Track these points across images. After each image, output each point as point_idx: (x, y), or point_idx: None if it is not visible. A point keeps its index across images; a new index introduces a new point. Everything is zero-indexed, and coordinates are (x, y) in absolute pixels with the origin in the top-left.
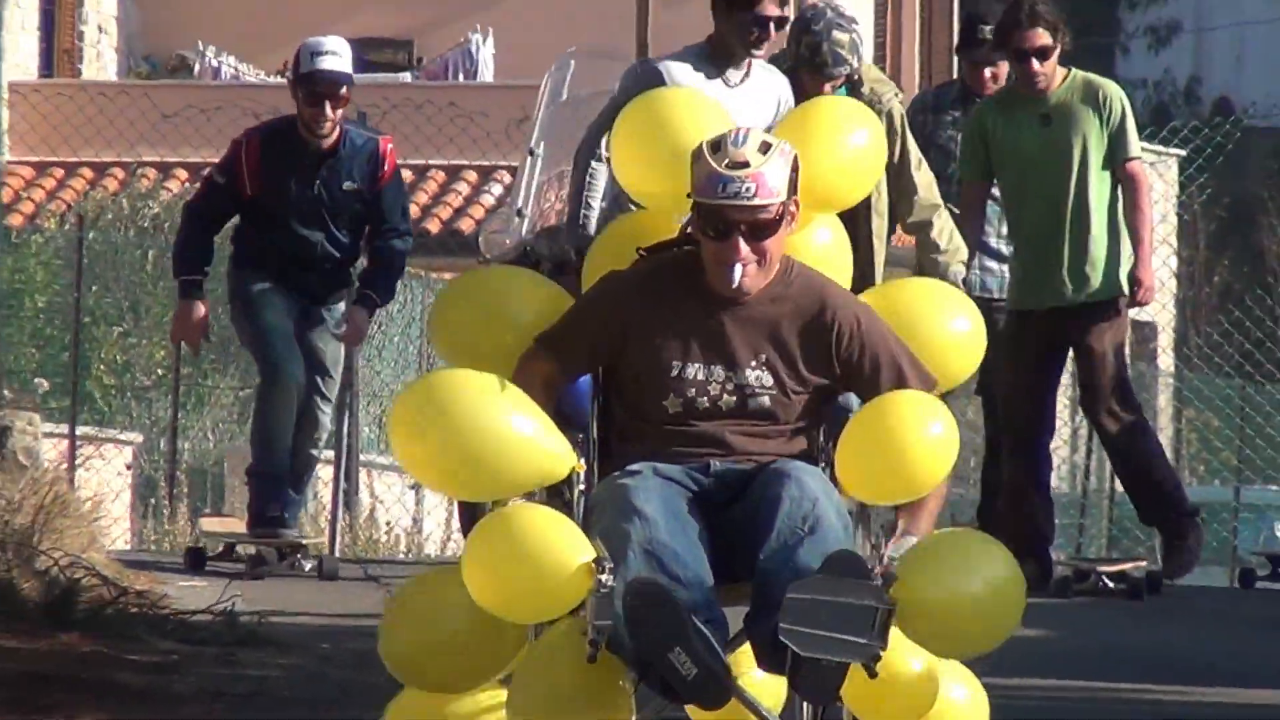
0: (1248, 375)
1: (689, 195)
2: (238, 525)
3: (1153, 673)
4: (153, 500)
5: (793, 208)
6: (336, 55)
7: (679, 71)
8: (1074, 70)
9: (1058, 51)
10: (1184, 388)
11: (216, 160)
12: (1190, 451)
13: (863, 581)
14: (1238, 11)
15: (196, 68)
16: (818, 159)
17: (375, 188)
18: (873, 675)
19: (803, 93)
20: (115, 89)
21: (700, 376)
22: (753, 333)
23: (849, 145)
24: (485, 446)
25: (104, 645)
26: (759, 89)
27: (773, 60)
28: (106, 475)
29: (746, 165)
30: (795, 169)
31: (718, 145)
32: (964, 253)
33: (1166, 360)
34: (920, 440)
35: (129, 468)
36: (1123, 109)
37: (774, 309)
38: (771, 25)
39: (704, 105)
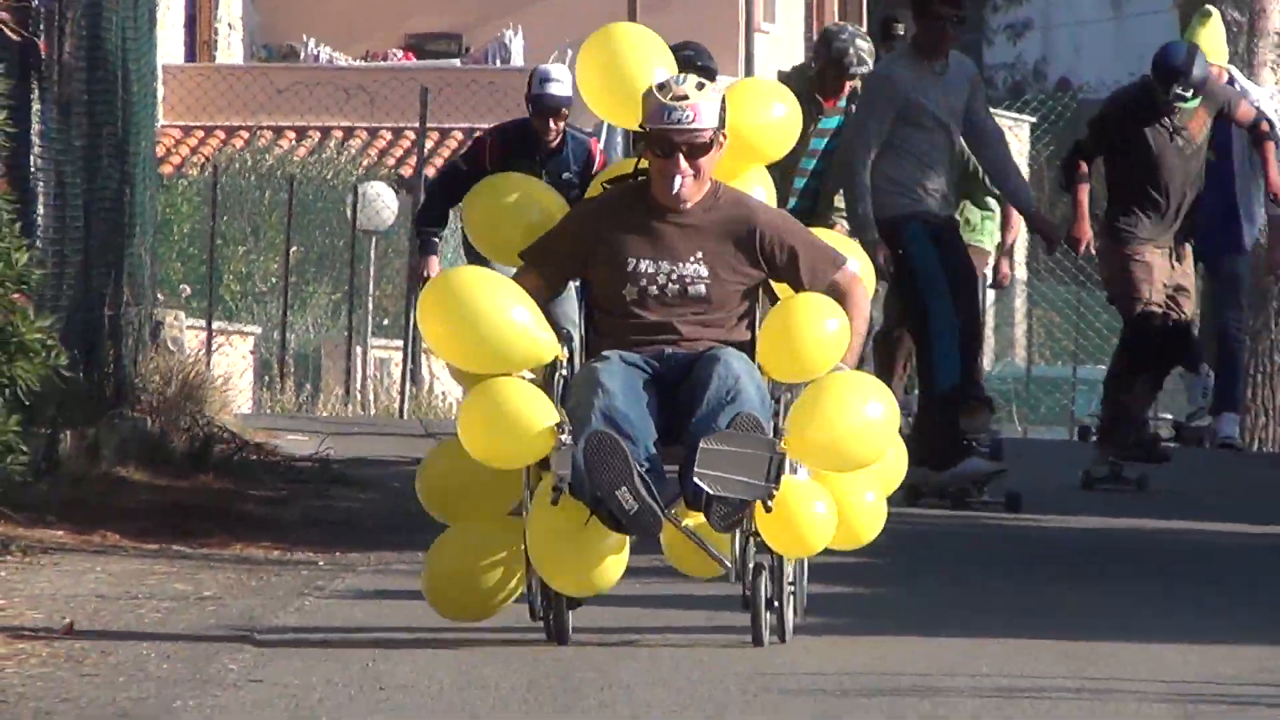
0: (1081, 283)
1: (640, 125)
2: None
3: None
4: (267, 377)
5: (721, 138)
6: (559, 82)
7: (900, 72)
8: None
9: None
10: (1034, 293)
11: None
12: (1039, 340)
13: (761, 436)
14: (1075, 14)
15: (302, 54)
16: (750, 122)
17: (587, 176)
18: (768, 510)
19: (825, 90)
20: (241, 70)
21: (650, 270)
22: (691, 235)
23: (773, 114)
24: (490, 331)
25: (231, 484)
26: (955, 73)
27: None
28: (234, 358)
29: (686, 98)
30: (724, 108)
31: (664, 85)
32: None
33: (1021, 272)
34: (817, 335)
35: (251, 353)
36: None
37: (707, 217)
38: (948, 27)
39: (647, 40)
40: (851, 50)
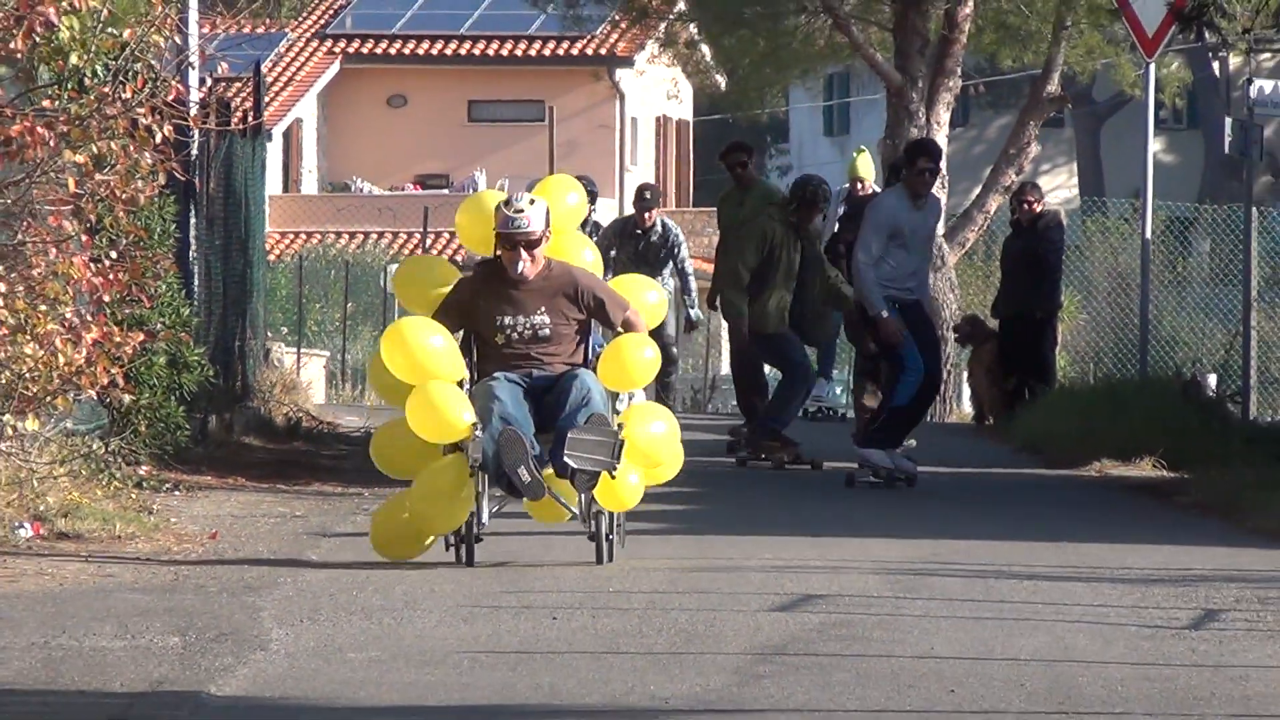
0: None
1: (494, 229)
2: None
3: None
4: (334, 381)
5: (547, 234)
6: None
7: (892, 203)
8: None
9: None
10: None
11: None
12: None
13: (607, 428)
14: (816, 157)
15: (352, 187)
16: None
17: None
18: (612, 477)
19: (801, 217)
20: (316, 198)
21: (510, 322)
22: (534, 297)
23: (568, 200)
24: (427, 357)
25: (313, 447)
26: (932, 207)
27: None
28: (314, 371)
29: (522, 211)
30: (548, 215)
31: (507, 201)
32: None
33: None
34: (639, 360)
35: (324, 367)
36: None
37: (544, 284)
38: (927, 175)
39: (490, 200)
40: (820, 191)
